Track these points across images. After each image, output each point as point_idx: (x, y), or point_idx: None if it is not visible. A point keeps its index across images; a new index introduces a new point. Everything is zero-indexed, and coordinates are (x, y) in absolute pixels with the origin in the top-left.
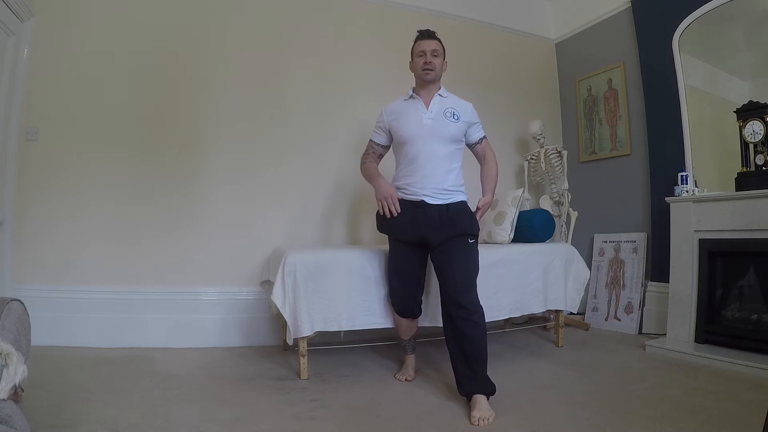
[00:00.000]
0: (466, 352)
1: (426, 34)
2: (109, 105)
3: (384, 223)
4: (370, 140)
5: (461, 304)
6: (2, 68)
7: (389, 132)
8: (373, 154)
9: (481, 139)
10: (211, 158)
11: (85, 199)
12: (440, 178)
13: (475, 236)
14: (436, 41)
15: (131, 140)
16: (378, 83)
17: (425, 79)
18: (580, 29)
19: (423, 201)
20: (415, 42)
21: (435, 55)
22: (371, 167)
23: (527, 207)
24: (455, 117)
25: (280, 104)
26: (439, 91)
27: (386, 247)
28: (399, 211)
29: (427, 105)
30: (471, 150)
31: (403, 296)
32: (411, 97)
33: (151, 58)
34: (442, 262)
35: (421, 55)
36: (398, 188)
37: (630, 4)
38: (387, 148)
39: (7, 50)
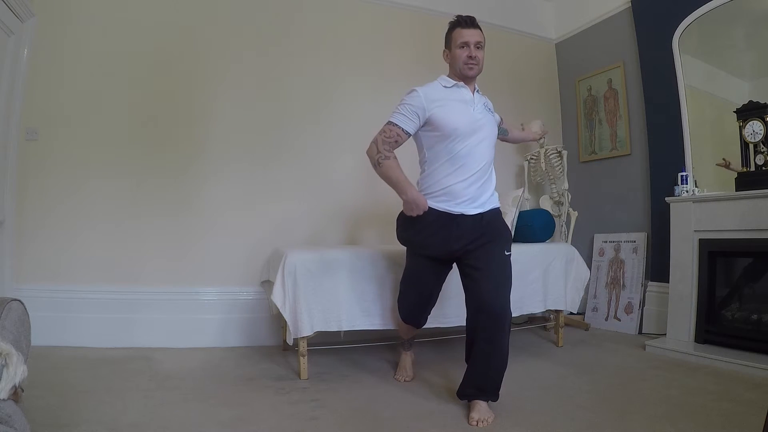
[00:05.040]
0: (482, 371)
1: (468, 22)
2: (109, 105)
3: (407, 235)
4: (394, 125)
5: (498, 322)
6: (2, 68)
7: (426, 120)
8: (396, 143)
9: (501, 119)
10: (210, 158)
11: (85, 199)
12: (482, 185)
13: (510, 249)
14: (479, 31)
15: (131, 140)
16: (376, 83)
17: (468, 74)
18: (580, 29)
19: (457, 212)
20: (454, 29)
21: (479, 48)
22: (396, 167)
23: (527, 207)
24: (491, 111)
25: (280, 104)
26: (476, 86)
27: (386, 246)
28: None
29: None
30: (499, 134)
31: (413, 309)
32: (455, 85)
33: (151, 59)
34: (478, 273)
35: (463, 47)
36: (431, 194)
37: (630, 4)
38: (408, 137)
39: (7, 50)
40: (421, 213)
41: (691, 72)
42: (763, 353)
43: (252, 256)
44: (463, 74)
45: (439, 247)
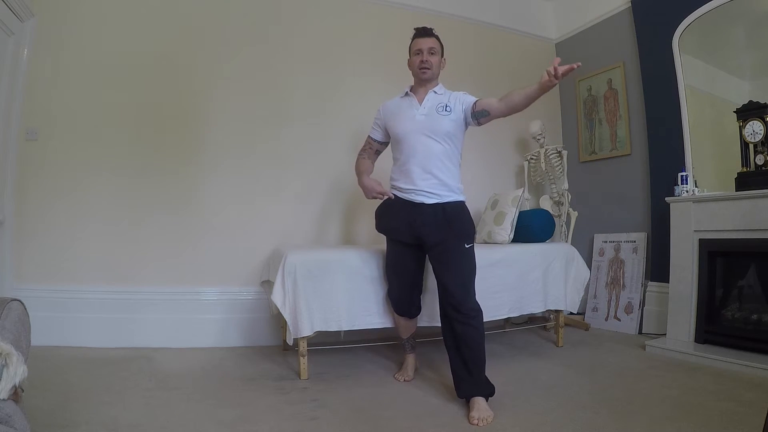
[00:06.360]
0: (465, 357)
1: (422, 32)
2: (109, 105)
3: (381, 223)
4: (368, 136)
5: (459, 309)
6: (2, 68)
7: (385, 129)
8: (370, 149)
9: (476, 100)
10: (211, 158)
11: (85, 199)
12: (436, 177)
13: (472, 241)
14: (433, 39)
15: (131, 140)
16: (376, 84)
17: (422, 78)
18: (580, 29)
19: (419, 201)
20: (412, 40)
21: (432, 53)
22: (361, 164)
23: (527, 207)
24: (447, 110)
25: (279, 104)
26: (435, 88)
27: (385, 246)
28: (392, 197)
29: (421, 102)
30: (479, 117)
31: (400, 296)
32: (406, 94)
33: (151, 59)
34: (439, 266)
35: (418, 54)
36: (394, 187)
37: (630, 4)
38: (384, 144)
39: (7, 50)
40: (375, 194)
41: (691, 72)
42: (763, 353)
43: (252, 256)
44: (419, 78)
45: (409, 232)
